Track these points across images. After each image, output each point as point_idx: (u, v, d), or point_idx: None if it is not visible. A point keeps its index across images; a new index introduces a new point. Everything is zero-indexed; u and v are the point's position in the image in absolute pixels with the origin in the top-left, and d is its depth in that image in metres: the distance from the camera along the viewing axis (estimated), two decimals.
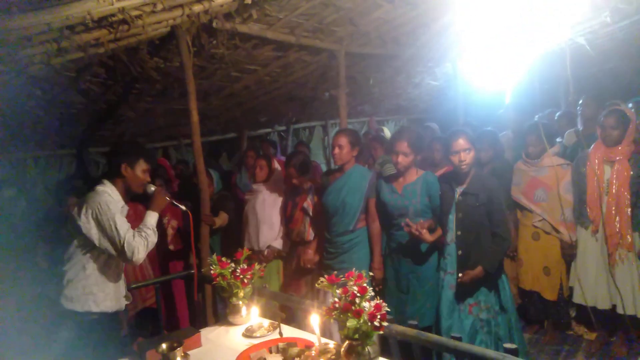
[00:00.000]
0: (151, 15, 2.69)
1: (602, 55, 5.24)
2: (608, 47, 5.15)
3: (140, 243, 2.29)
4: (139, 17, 2.59)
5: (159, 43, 3.23)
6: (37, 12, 2.14)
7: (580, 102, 3.94)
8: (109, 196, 2.35)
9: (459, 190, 2.83)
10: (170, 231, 4.04)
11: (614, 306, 3.15)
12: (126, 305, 2.57)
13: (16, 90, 3.22)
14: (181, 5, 2.77)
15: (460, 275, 2.74)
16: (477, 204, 2.75)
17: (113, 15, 2.46)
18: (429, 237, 2.77)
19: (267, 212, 3.68)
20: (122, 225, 2.28)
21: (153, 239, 2.38)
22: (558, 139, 3.83)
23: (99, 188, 2.38)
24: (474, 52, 5.10)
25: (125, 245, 2.24)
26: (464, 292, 2.78)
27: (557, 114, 4.51)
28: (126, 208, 2.48)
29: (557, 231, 3.39)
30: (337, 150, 3.15)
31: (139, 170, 2.44)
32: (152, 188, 2.52)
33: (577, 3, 3.98)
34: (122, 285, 2.53)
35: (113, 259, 2.39)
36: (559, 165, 3.41)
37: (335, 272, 2.97)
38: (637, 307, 3.04)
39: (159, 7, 2.61)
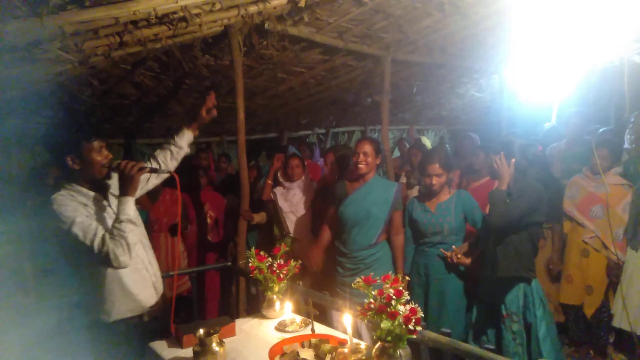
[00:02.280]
0: (209, 14, 2.80)
1: None
2: None
3: (116, 245, 1.96)
4: (197, 15, 2.71)
5: (211, 41, 3.34)
6: (108, 7, 2.28)
7: (633, 118, 3.80)
8: (68, 199, 2.02)
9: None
10: (208, 220, 4.16)
11: None
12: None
13: (76, 79, 3.42)
14: (237, 6, 2.86)
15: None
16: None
17: (175, 12, 2.58)
18: (467, 261, 2.82)
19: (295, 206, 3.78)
20: (87, 231, 1.95)
21: (132, 232, 2.02)
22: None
23: (54, 196, 2.01)
24: (522, 65, 5.01)
25: (96, 252, 1.95)
26: (495, 303, 2.78)
27: (601, 130, 4.38)
28: (114, 195, 2.19)
29: (607, 249, 3.30)
30: (362, 157, 2.99)
31: (88, 154, 2.07)
32: (116, 163, 2.12)
33: (634, 21, 3.85)
34: (142, 283, 2.25)
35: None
36: (620, 184, 3.33)
37: (355, 290, 3.00)
38: None
39: (217, 6, 2.71)
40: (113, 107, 4.44)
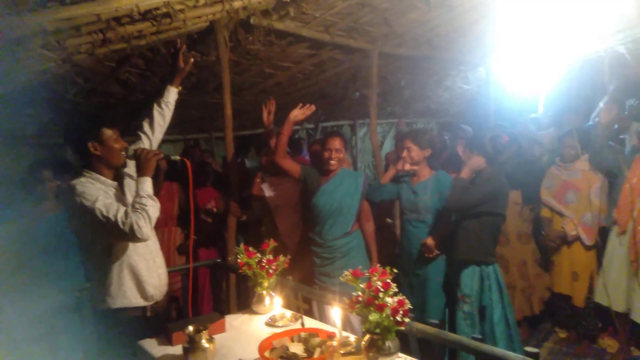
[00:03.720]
0: (193, 10, 2.78)
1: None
2: None
3: (139, 217, 2.03)
4: (181, 11, 2.69)
5: (197, 37, 3.32)
6: (89, 4, 2.25)
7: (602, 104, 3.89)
8: (89, 184, 2.12)
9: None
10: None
11: None
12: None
13: (61, 77, 3.37)
14: (222, 1, 2.85)
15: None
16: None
17: (158, 8, 2.56)
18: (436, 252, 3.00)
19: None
20: (110, 207, 2.03)
21: (153, 206, 2.11)
22: None
23: (74, 182, 2.12)
24: (508, 57, 5.04)
25: (120, 225, 2.00)
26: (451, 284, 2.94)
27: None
28: (131, 189, 2.26)
29: (577, 232, 3.42)
30: (334, 153, 3.09)
31: (108, 141, 2.16)
32: (132, 151, 2.23)
33: (619, 11, 3.89)
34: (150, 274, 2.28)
35: (121, 245, 2.18)
36: (590, 170, 3.45)
37: (332, 279, 3.09)
38: None
39: (201, 1, 2.70)
40: (98, 105, 4.40)
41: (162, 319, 2.35)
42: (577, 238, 3.47)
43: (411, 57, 4.66)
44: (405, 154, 3.12)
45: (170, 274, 3.77)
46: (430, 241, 3.01)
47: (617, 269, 3.26)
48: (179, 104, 4.74)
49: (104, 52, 2.94)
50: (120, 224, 2.00)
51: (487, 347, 1.79)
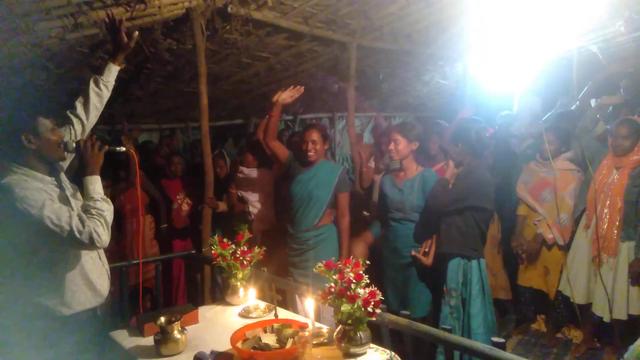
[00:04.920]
0: None
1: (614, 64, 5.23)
2: (620, 56, 5.14)
3: (96, 224, 1.83)
4: None
5: (173, 24, 3.25)
6: None
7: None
8: (26, 184, 1.83)
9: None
10: (185, 207, 4.13)
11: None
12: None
13: (30, 62, 3.27)
14: None
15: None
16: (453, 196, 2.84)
17: None
18: (429, 261, 2.93)
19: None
20: (60, 214, 1.79)
21: (109, 210, 1.91)
22: None
23: (7, 181, 1.81)
24: (485, 54, 5.10)
25: (77, 234, 1.79)
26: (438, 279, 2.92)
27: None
28: (68, 184, 2.06)
29: (550, 231, 3.47)
30: (311, 145, 3.11)
31: (44, 132, 1.90)
32: (74, 144, 1.97)
33: (592, 11, 3.97)
34: (98, 275, 2.10)
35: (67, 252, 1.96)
36: (569, 170, 3.48)
37: (300, 270, 3.09)
38: (614, 311, 3.10)
39: None
40: (70, 91, 4.28)
41: (110, 315, 2.25)
42: (555, 243, 3.51)
43: (390, 51, 4.68)
44: (392, 146, 3.05)
45: (144, 264, 3.77)
46: (421, 256, 2.95)
47: (579, 262, 3.35)
48: (154, 93, 4.72)
49: (76, 38, 2.86)
50: (76, 233, 1.78)
51: (455, 338, 1.83)
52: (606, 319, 3.13)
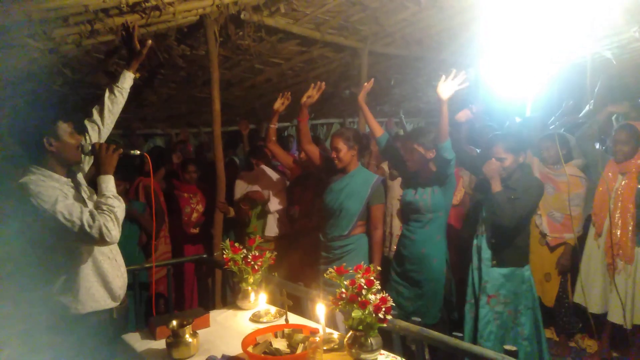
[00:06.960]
0: (182, 3, 2.76)
1: (629, 70, 5.18)
2: (635, 62, 5.09)
3: (106, 219, 1.89)
4: (170, 4, 2.67)
5: (186, 31, 3.30)
6: None
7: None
8: (42, 183, 1.92)
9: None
10: (195, 214, 4.16)
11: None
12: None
13: (47, 68, 3.33)
14: None
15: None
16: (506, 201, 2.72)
17: (147, 0, 2.54)
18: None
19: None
20: (72, 209, 1.86)
21: (120, 207, 1.98)
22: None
23: (24, 180, 1.90)
24: (497, 59, 5.07)
25: (87, 229, 1.85)
26: (488, 284, 2.84)
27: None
28: (83, 183, 2.14)
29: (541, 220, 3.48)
30: (334, 154, 3.04)
31: (64, 136, 2.00)
32: (89, 146, 2.08)
33: (606, 17, 3.94)
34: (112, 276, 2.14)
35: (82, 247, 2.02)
36: (577, 176, 3.44)
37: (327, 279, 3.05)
38: (636, 316, 3.06)
39: None
40: (86, 97, 4.35)
41: (126, 320, 2.26)
42: (561, 243, 3.47)
43: (401, 57, 4.68)
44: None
45: (157, 268, 3.81)
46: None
47: (593, 271, 3.30)
48: (168, 98, 4.77)
49: (92, 44, 2.91)
50: (87, 227, 1.84)
51: (465, 345, 1.81)
52: (628, 325, 3.07)
